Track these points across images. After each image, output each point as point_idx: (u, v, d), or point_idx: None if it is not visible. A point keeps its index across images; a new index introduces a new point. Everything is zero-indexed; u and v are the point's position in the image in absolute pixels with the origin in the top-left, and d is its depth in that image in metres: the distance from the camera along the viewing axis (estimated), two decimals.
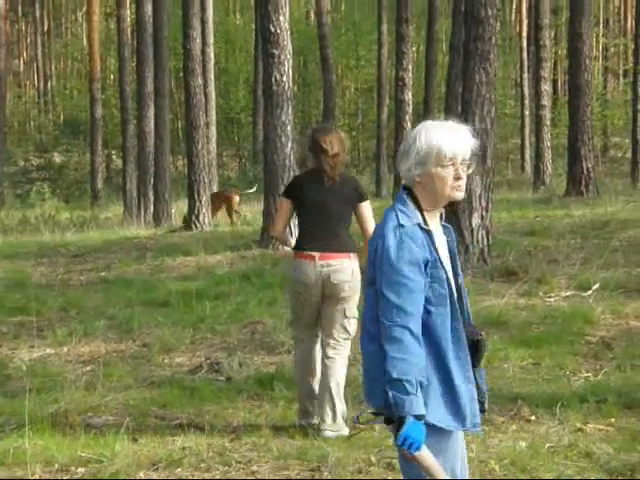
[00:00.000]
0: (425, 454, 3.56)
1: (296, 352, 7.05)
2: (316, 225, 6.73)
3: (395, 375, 3.53)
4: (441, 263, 3.71)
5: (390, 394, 3.55)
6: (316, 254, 6.65)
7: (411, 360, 3.54)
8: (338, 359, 6.80)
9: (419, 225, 3.68)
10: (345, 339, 6.82)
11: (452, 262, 3.84)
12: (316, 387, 6.86)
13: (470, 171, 3.76)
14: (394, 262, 3.61)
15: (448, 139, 3.70)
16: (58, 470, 6.15)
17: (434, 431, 3.62)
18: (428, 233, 3.69)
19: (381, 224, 3.74)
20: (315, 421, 6.81)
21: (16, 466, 6.16)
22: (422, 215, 3.71)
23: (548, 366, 8.49)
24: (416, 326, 3.59)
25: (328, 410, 6.70)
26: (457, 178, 3.73)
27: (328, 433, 6.62)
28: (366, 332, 3.77)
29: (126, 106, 30.21)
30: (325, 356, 6.82)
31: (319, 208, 6.74)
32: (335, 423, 6.70)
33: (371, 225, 6.74)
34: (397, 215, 3.69)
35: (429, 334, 3.64)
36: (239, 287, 12.55)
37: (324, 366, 6.81)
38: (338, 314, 6.75)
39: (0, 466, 6.20)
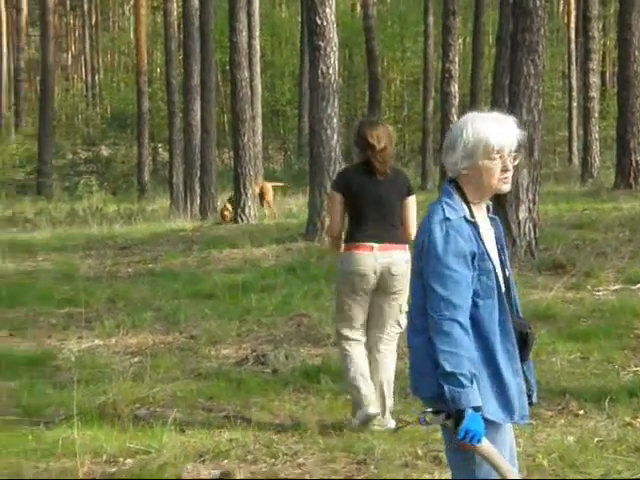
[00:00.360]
0: (486, 445, 3.57)
1: (345, 355, 6.75)
2: (372, 217, 6.64)
3: (448, 369, 3.52)
4: (488, 255, 3.69)
5: (445, 388, 3.54)
6: (375, 245, 6.57)
7: (462, 353, 3.53)
8: (389, 354, 6.75)
9: (465, 218, 3.66)
10: (397, 333, 6.77)
11: (500, 254, 3.81)
12: (366, 386, 6.73)
13: (517, 162, 3.73)
14: (440, 255, 3.59)
15: (495, 131, 3.68)
16: (106, 461, 6.20)
17: (484, 424, 3.60)
18: (474, 226, 3.67)
19: (427, 218, 3.72)
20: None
21: (65, 457, 6.22)
22: (469, 208, 3.70)
23: (596, 360, 8.42)
24: (465, 318, 3.57)
25: (378, 405, 6.67)
26: (504, 170, 3.71)
27: (376, 427, 6.60)
28: (412, 325, 3.76)
29: (173, 99, 30.32)
30: (377, 350, 6.75)
31: (374, 200, 6.66)
32: (384, 418, 6.68)
33: (413, 220, 6.71)
34: (443, 208, 3.67)
35: (477, 327, 3.62)
36: (285, 280, 12.57)
37: (374, 361, 6.74)
38: (393, 308, 6.68)
39: (49, 457, 6.26)
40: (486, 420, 3.61)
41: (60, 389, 8.01)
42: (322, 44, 15.77)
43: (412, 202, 6.80)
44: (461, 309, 3.57)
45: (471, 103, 31.54)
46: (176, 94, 30.33)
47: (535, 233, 13.60)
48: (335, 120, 16.26)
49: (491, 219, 3.84)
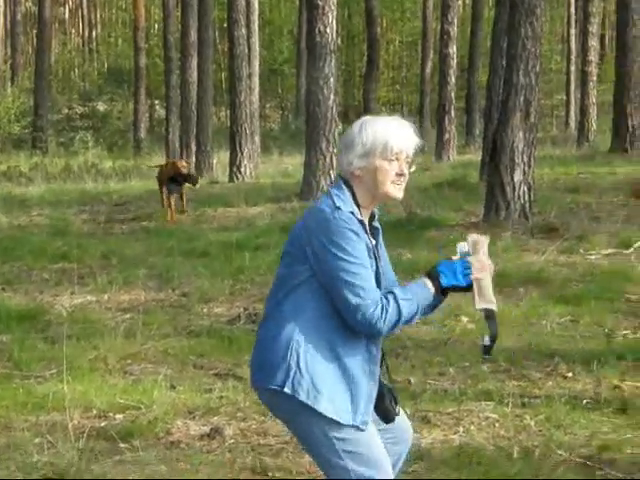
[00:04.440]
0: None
1: None
2: None
3: (406, 315, 3.50)
4: (374, 254, 3.61)
5: (418, 314, 3.55)
6: None
7: (403, 306, 3.50)
8: None
9: (353, 214, 3.56)
10: None
11: (378, 266, 3.66)
12: None
13: (412, 170, 3.67)
14: (340, 242, 3.48)
15: (396, 133, 3.61)
16: (96, 416, 6.23)
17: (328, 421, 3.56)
18: (362, 224, 3.59)
19: (314, 207, 3.62)
20: None
21: (55, 411, 6.24)
22: (358, 208, 3.61)
23: (587, 323, 8.47)
24: (379, 294, 3.51)
25: None
26: (400, 174, 3.63)
27: None
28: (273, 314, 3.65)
29: (170, 56, 30.19)
30: None
31: None
32: None
33: None
34: (333, 199, 3.57)
35: (344, 321, 3.53)
36: (279, 239, 12.57)
37: None
38: None
39: (39, 410, 6.29)
40: (327, 418, 3.53)
41: (51, 344, 8.03)
42: (320, 3, 15.69)
43: None
44: (374, 289, 3.50)
45: (469, 65, 31.46)
46: (173, 50, 30.19)
47: (530, 196, 13.62)
48: (332, 80, 16.22)
49: (374, 228, 3.73)
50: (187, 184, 15.96)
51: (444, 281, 3.58)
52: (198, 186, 16.27)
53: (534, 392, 6.60)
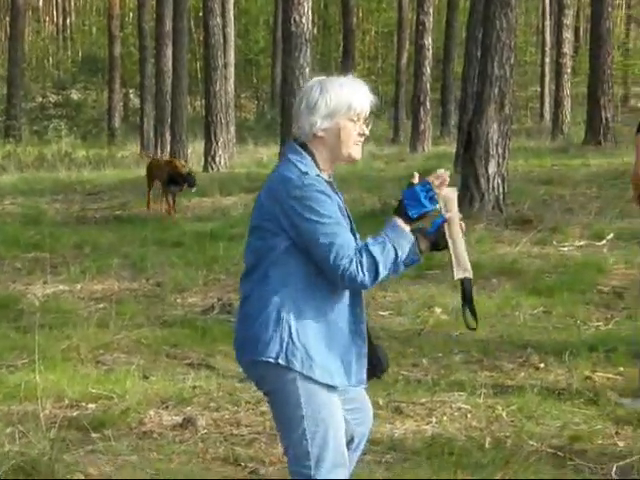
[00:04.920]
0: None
1: None
2: None
3: (383, 260, 3.49)
4: (346, 211, 3.64)
5: (401, 266, 3.56)
6: None
7: (376, 252, 3.49)
8: None
9: (320, 176, 3.58)
10: None
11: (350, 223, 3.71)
12: None
13: (368, 129, 3.68)
14: (314, 206, 3.49)
15: (357, 93, 3.62)
16: (69, 405, 6.21)
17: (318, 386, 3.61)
18: (330, 185, 3.61)
19: (278, 176, 3.59)
20: None
21: (27, 400, 6.21)
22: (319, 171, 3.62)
23: (559, 314, 8.52)
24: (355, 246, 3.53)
25: None
26: (362, 134, 3.65)
27: None
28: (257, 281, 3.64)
29: (144, 44, 30.06)
30: None
31: None
32: None
33: None
34: (297, 165, 3.56)
35: (328, 282, 3.56)
36: None
37: None
38: None
39: (12, 400, 6.26)
40: (320, 382, 3.59)
41: (23, 333, 7.99)
42: None
43: None
44: (352, 245, 3.51)
45: (444, 56, 31.49)
46: (148, 39, 30.05)
47: (504, 188, 13.66)
48: (307, 70, 16.18)
49: (335, 192, 3.71)
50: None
51: (412, 212, 3.56)
52: (195, 189, 15.15)
53: (506, 383, 6.63)
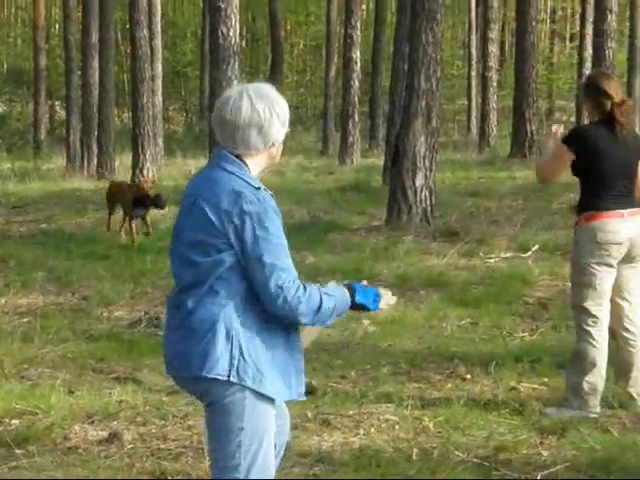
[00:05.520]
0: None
1: (593, 340, 6.08)
2: (617, 180, 6.05)
3: (324, 308, 3.56)
4: (284, 228, 3.65)
5: (332, 318, 3.63)
6: (624, 211, 6.03)
7: (309, 298, 3.54)
8: None
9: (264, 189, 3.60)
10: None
11: None
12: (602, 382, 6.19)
13: None
14: (265, 223, 3.50)
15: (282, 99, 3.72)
16: None
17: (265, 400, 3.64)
18: (273, 197, 3.63)
19: (226, 188, 3.55)
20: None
21: None
22: None
23: (486, 326, 8.60)
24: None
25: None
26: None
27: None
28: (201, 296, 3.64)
29: (70, 56, 29.70)
30: (633, 325, 6.22)
31: (618, 161, 6.03)
32: None
33: None
34: (243, 179, 3.57)
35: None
36: None
37: (632, 339, 6.24)
38: (639, 279, 6.24)
39: None
40: (264, 396, 3.61)
41: None
42: (223, 5, 15.59)
43: None
44: (292, 267, 3.57)
45: (372, 69, 31.68)
46: (74, 51, 29.72)
47: (431, 200, 13.77)
48: (235, 82, 16.14)
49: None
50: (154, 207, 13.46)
51: (358, 298, 3.68)
52: (167, 209, 13.76)
53: (433, 394, 6.68)
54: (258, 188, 3.55)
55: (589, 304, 6.07)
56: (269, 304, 3.52)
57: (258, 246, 3.49)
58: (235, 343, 3.54)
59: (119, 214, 14.08)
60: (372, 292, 3.74)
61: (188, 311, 3.61)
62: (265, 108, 3.61)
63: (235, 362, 3.53)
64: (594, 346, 6.07)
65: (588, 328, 6.09)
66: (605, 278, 6.05)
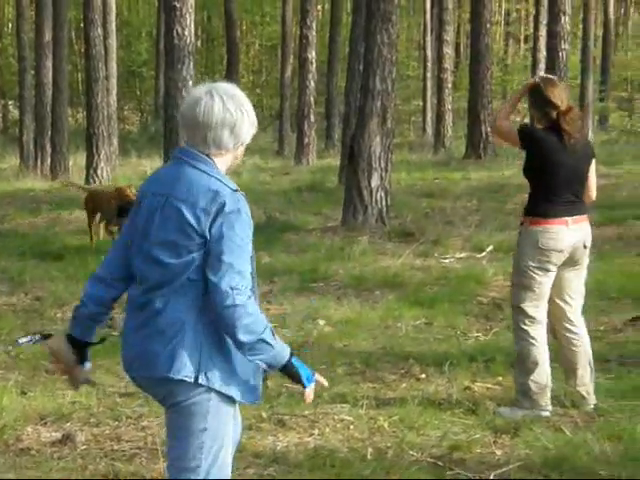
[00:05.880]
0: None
1: (531, 338, 6.17)
2: (565, 187, 6.06)
3: (264, 338, 3.49)
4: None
5: (259, 358, 3.52)
6: (569, 219, 6.04)
7: (257, 317, 3.50)
8: (585, 329, 6.34)
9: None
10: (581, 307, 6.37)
11: None
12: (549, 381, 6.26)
13: None
14: (238, 224, 3.49)
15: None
16: None
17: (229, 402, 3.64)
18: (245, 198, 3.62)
19: (202, 187, 3.52)
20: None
21: None
22: None
23: (440, 326, 8.63)
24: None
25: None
26: None
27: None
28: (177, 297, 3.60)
29: (23, 55, 29.42)
30: (575, 326, 6.28)
31: (567, 169, 6.04)
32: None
33: (595, 183, 6.28)
34: (220, 179, 3.55)
35: None
36: None
37: (575, 338, 6.29)
38: (582, 280, 6.28)
39: None
40: (228, 398, 3.60)
41: None
42: (178, 5, 15.55)
43: (594, 164, 6.30)
44: (249, 276, 3.53)
45: (328, 70, 31.72)
46: (27, 50, 29.47)
47: (387, 201, 13.82)
48: (190, 83, 16.09)
49: None
50: None
51: (294, 361, 3.59)
52: None
53: (388, 394, 6.69)
54: (235, 190, 3.54)
55: (527, 305, 6.15)
56: (217, 304, 3.46)
57: (221, 244, 3.46)
58: (203, 345, 3.51)
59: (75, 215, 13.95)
60: (308, 370, 3.65)
61: (156, 311, 3.56)
62: (236, 108, 3.61)
63: (203, 364, 3.51)
64: (533, 344, 6.13)
65: (526, 327, 6.16)
66: (544, 282, 6.11)
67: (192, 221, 3.50)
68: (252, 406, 6.20)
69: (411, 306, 9.27)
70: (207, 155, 3.62)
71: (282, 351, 3.56)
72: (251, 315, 3.46)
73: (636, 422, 5.59)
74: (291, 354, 3.59)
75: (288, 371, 3.59)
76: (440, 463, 5.36)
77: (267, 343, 3.50)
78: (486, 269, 10.63)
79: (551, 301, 6.22)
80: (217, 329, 3.52)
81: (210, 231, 3.48)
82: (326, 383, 3.76)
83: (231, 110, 3.60)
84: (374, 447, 5.61)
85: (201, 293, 3.52)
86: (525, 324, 6.16)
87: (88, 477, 5.23)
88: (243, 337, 3.46)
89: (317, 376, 3.69)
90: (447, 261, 11.50)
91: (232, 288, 3.44)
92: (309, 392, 3.66)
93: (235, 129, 3.62)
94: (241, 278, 3.47)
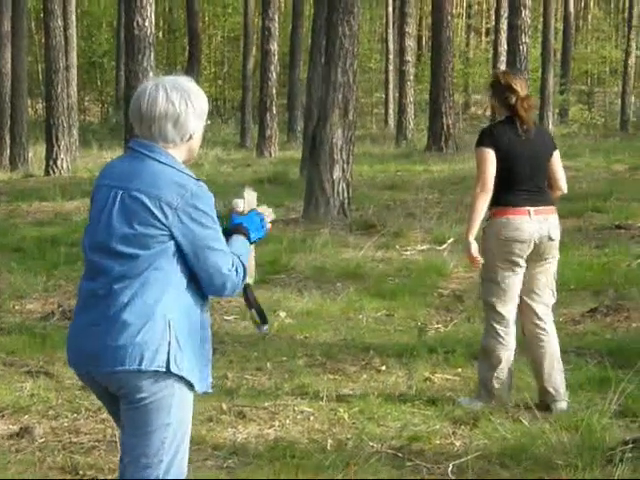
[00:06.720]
0: None
1: (500, 338, 6.14)
2: (525, 178, 6.05)
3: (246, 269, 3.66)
4: None
5: (240, 258, 3.65)
6: (531, 209, 6.02)
7: (241, 267, 3.64)
8: (553, 326, 6.30)
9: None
10: (553, 304, 6.33)
11: None
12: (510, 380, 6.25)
13: None
14: (209, 213, 3.55)
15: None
16: None
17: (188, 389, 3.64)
18: None
19: (165, 179, 3.53)
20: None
21: None
22: None
23: (401, 317, 8.66)
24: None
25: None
26: None
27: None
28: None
29: None
30: (543, 322, 6.22)
31: (525, 159, 6.05)
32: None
33: (563, 175, 6.29)
34: (181, 171, 3.56)
35: (196, 293, 3.62)
36: None
37: (543, 335, 6.24)
38: (550, 276, 6.22)
39: None
40: (191, 388, 3.61)
41: None
42: None
43: (558, 155, 6.29)
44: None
45: (290, 62, 31.67)
46: None
47: (348, 193, 13.83)
48: (151, 74, 16.03)
49: None
50: None
51: (253, 236, 3.77)
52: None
53: (349, 385, 6.70)
54: (198, 180, 3.57)
55: (496, 301, 6.12)
56: (215, 286, 3.58)
57: (206, 235, 3.53)
58: (172, 334, 3.50)
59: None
60: (258, 219, 3.80)
61: (121, 304, 3.50)
62: (181, 100, 3.57)
63: (172, 352, 3.50)
64: (500, 343, 6.13)
65: (495, 325, 6.14)
66: (510, 276, 6.07)
67: (157, 213, 3.49)
68: (212, 398, 6.22)
69: (372, 298, 9.29)
70: (163, 146, 3.62)
71: (246, 249, 3.72)
72: (239, 277, 3.62)
73: (593, 412, 5.62)
74: (246, 235, 3.75)
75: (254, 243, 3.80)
76: (400, 454, 5.38)
77: (242, 264, 3.65)
78: (447, 261, 10.67)
79: (520, 298, 6.20)
80: (183, 317, 3.53)
81: (180, 224, 3.50)
82: (270, 213, 3.89)
83: (175, 102, 3.57)
84: (334, 438, 5.62)
85: (168, 282, 3.52)
86: (496, 322, 6.14)
87: (46, 470, 5.20)
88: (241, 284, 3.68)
89: (261, 209, 3.87)
90: (408, 253, 11.53)
91: (229, 269, 3.57)
92: (270, 229, 3.89)
93: (179, 122, 3.59)
94: (229, 256, 3.59)
